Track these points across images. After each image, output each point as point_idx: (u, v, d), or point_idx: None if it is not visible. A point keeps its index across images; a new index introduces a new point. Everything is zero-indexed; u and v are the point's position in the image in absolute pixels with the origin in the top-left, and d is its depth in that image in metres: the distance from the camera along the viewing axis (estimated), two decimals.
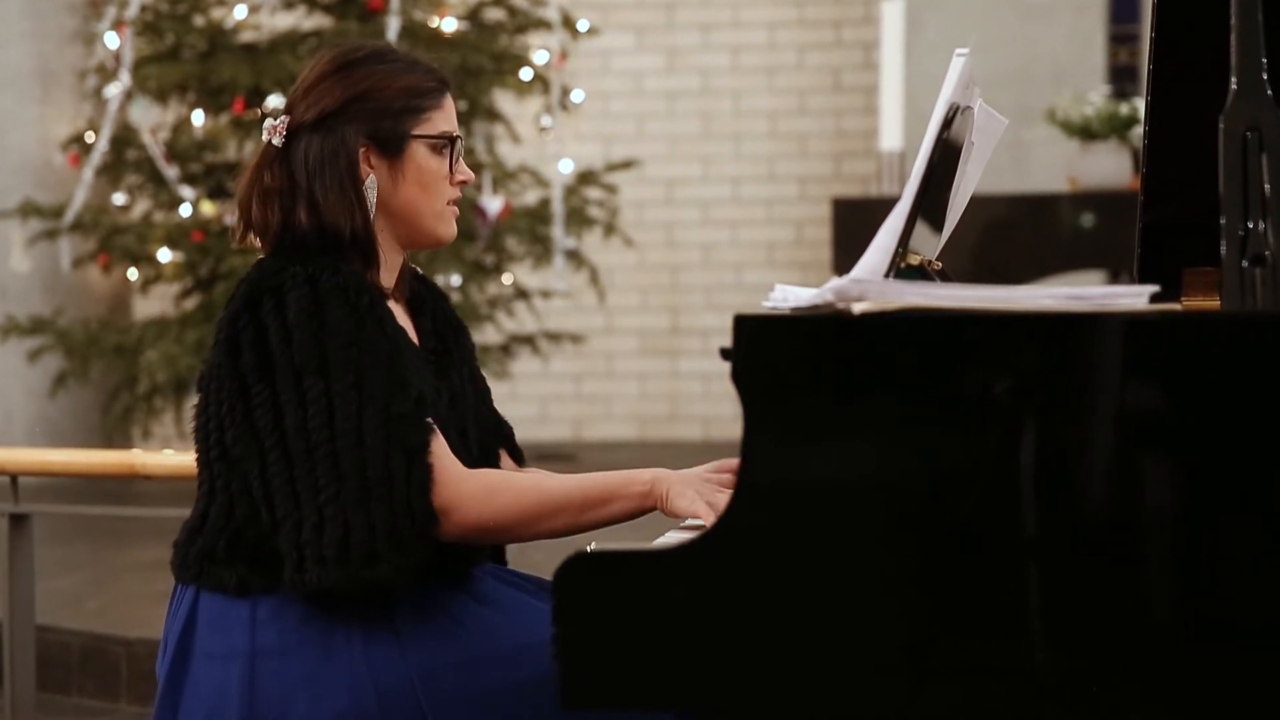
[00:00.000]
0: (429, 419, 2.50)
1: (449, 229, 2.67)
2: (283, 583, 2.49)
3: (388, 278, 2.65)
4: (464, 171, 2.67)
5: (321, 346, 2.47)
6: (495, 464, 2.76)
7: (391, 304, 2.65)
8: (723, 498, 2.47)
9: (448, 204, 2.65)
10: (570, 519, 2.52)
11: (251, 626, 2.52)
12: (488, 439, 2.76)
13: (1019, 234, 8.01)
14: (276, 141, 2.61)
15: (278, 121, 2.62)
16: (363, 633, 2.52)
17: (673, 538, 2.47)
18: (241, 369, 2.50)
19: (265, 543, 2.51)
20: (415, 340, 2.66)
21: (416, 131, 2.61)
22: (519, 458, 2.84)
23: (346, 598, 2.49)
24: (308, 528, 2.45)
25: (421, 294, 2.74)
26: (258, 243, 2.65)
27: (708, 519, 2.45)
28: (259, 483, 2.49)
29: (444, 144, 2.63)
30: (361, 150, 2.59)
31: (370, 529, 2.44)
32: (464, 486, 2.49)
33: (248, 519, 2.53)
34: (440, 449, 2.50)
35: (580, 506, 2.52)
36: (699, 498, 2.48)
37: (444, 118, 2.64)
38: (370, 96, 2.60)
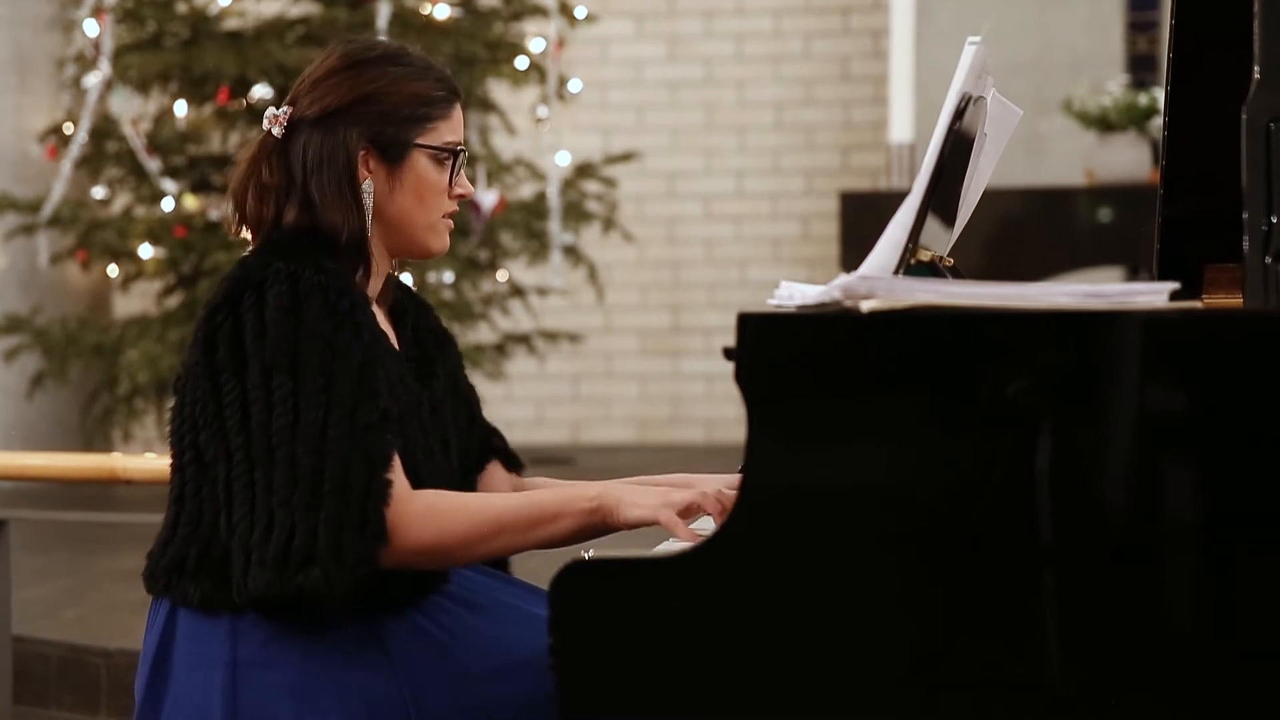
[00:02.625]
0: (390, 436, 2.49)
1: (441, 242, 2.68)
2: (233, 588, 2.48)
3: (374, 284, 2.65)
4: (464, 185, 2.67)
5: (294, 345, 2.47)
6: (475, 476, 2.76)
7: (374, 309, 2.65)
8: (678, 494, 2.47)
9: (443, 217, 2.66)
10: (514, 538, 2.50)
11: (233, 635, 2.52)
12: (473, 451, 2.76)
13: (1034, 229, 8.02)
14: (276, 132, 2.62)
15: (280, 112, 2.63)
16: (349, 645, 2.52)
17: (674, 546, 2.47)
18: (216, 366, 2.50)
19: (230, 556, 2.50)
20: (395, 346, 2.67)
21: (420, 141, 2.62)
22: (515, 465, 2.84)
23: (283, 607, 2.47)
24: (258, 531, 2.44)
25: (404, 304, 2.74)
26: (248, 235, 2.66)
27: (670, 525, 2.45)
28: (223, 485, 2.49)
29: (446, 156, 2.64)
30: (361, 153, 2.60)
31: (313, 534, 2.42)
32: (408, 506, 2.47)
33: (215, 528, 2.52)
34: (399, 467, 2.48)
35: (526, 525, 2.49)
36: (652, 506, 2.47)
37: (450, 128, 2.65)
38: (377, 99, 2.60)
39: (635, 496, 2.49)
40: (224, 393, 2.49)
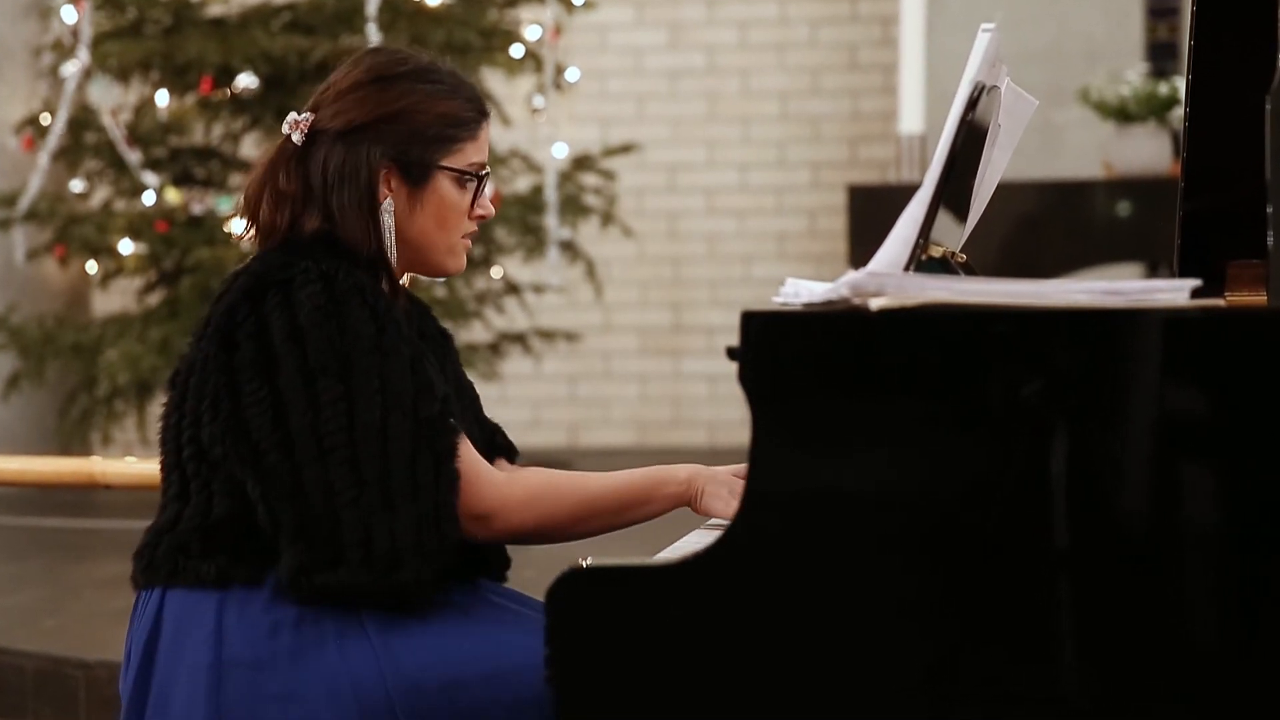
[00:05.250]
0: (454, 421, 2.57)
1: (458, 263, 2.72)
2: (264, 577, 2.54)
3: (391, 297, 2.67)
4: (485, 206, 2.71)
5: (341, 349, 2.51)
6: None
7: None
8: None
9: (462, 238, 2.70)
10: (608, 520, 2.66)
11: (217, 633, 2.55)
12: (482, 450, 2.78)
13: (1050, 224, 8.02)
14: (296, 138, 2.65)
15: (301, 118, 2.65)
16: (338, 646, 2.54)
17: (695, 539, 2.49)
18: (235, 364, 2.53)
19: (250, 538, 2.54)
20: None
21: (445, 163, 2.65)
22: (512, 457, 2.89)
23: (333, 607, 2.53)
24: (322, 532, 2.49)
25: (408, 312, 2.76)
26: (252, 239, 2.68)
27: None
28: (254, 484, 2.52)
29: (470, 178, 2.66)
30: (383, 171, 2.63)
31: (392, 535, 2.50)
32: (504, 491, 2.60)
33: (226, 518, 2.56)
34: (469, 452, 2.58)
35: (618, 507, 2.65)
36: (734, 499, 2.52)
37: (476, 149, 2.68)
38: (404, 118, 2.63)
39: (716, 488, 2.64)
40: (245, 392, 2.52)
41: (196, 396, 2.57)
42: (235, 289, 2.57)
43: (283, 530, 2.51)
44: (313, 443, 2.49)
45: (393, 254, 2.64)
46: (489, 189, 2.72)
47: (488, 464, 2.62)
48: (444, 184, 2.66)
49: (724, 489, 2.64)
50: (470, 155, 2.67)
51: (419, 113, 2.64)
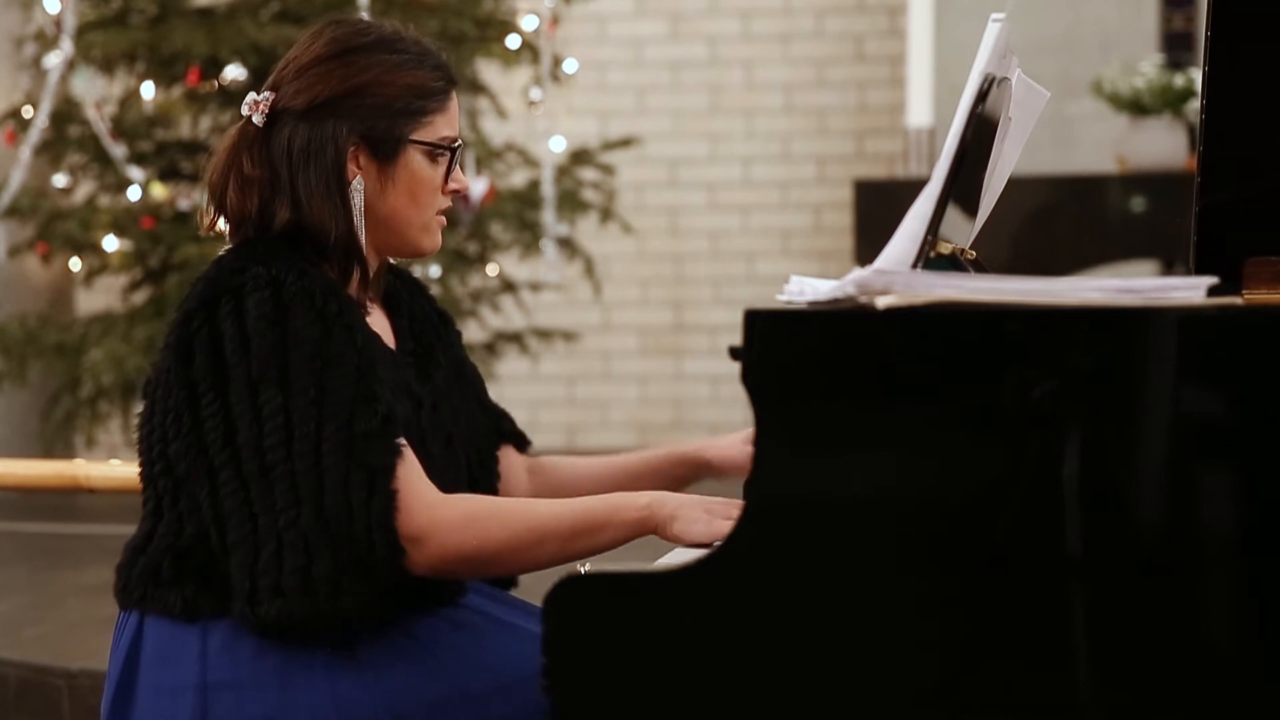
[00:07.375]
0: (399, 440, 2.50)
1: (434, 240, 2.67)
2: (230, 605, 2.51)
3: (361, 285, 2.65)
4: (459, 180, 2.68)
5: (282, 356, 2.47)
6: (493, 467, 2.78)
7: (366, 308, 2.66)
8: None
9: (436, 214, 2.66)
10: (558, 547, 2.51)
11: (202, 658, 2.53)
12: (481, 439, 2.77)
13: (1062, 219, 8.01)
14: (257, 120, 2.61)
15: (261, 98, 2.62)
16: (325, 666, 2.53)
17: (676, 558, 2.47)
18: (192, 376, 2.50)
19: (216, 563, 2.53)
20: (393, 343, 2.67)
21: (415, 136, 2.62)
22: (523, 445, 2.88)
23: (305, 629, 2.50)
24: (265, 555, 2.46)
25: (397, 290, 2.74)
26: (225, 228, 2.65)
27: None
28: (209, 503, 2.50)
29: (442, 152, 2.63)
30: (351, 149, 2.60)
31: (334, 558, 2.45)
32: (438, 513, 2.49)
33: (197, 538, 2.54)
34: (408, 472, 2.50)
35: (570, 534, 2.51)
36: (715, 518, 2.47)
37: (446, 121, 2.65)
38: (369, 92, 2.60)
39: (690, 512, 2.49)
40: (202, 406, 2.50)
41: (163, 410, 2.55)
42: (192, 296, 2.54)
43: (233, 557, 2.49)
44: (256, 458, 2.46)
45: (363, 235, 2.61)
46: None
47: (429, 485, 2.51)
48: (415, 158, 2.62)
49: (699, 510, 2.49)
50: (440, 128, 2.64)
51: (385, 85, 2.60)
